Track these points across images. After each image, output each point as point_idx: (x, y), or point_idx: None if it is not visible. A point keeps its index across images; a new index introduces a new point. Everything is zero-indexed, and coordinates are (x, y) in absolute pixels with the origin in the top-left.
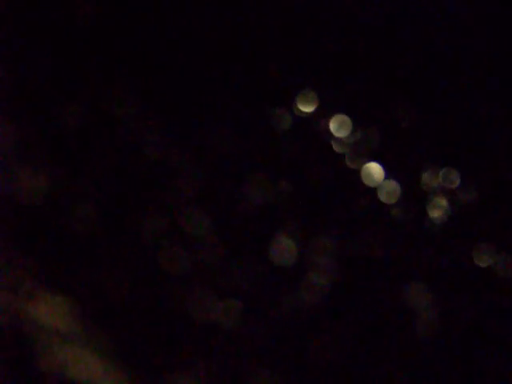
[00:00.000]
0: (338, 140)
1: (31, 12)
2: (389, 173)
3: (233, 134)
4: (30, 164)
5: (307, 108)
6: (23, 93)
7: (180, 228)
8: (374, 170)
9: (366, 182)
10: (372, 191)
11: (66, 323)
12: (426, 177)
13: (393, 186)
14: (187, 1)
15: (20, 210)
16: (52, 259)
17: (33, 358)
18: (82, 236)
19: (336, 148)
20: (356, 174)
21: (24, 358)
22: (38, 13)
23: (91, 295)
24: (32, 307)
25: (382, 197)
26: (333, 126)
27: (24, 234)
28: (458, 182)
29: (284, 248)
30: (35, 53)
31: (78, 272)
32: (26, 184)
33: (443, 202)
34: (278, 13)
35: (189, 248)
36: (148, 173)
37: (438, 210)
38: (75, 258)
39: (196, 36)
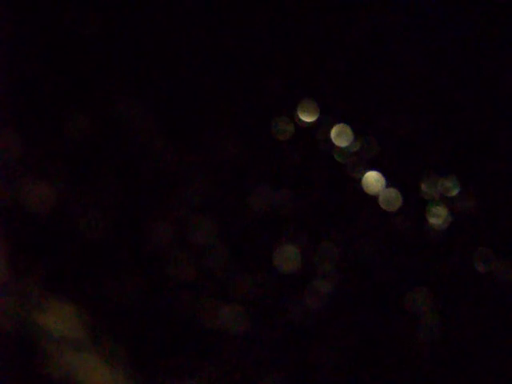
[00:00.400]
0: (339, 149)
1: (32, 14)
2: (389, 181)
3: (236, 144)
4: (36, 172)
5: (309, 118)
6: (27, 100)
7: (186, 236)
8: (375, 178)
9: (367, 190)
10: (373, 199)
11: (75, 331)
12: (425, 185)
13: (393, 194)
14: (193, 12)
15: (28, 218)
16: (60, 268)
17: (42, 365)
18: (90, 244)
19: (337, 157)
20: (357, 182)
21: (33, 364)
22: (38, 14)
23: (99, 303)
24: (41, 315)
25: (383, 205)
26: (334, 135)
27: (32, 243)
28: (457, 189)
29: (288, 255)
30: (39, 60)
31: (85, 280)
32: (33, 192)
33: (443, 210)
34: (281, 24)
35: (195, 255)
36: (154, 182)
37: (437, 218)
38: (83, 266)
39: (200, 47)
